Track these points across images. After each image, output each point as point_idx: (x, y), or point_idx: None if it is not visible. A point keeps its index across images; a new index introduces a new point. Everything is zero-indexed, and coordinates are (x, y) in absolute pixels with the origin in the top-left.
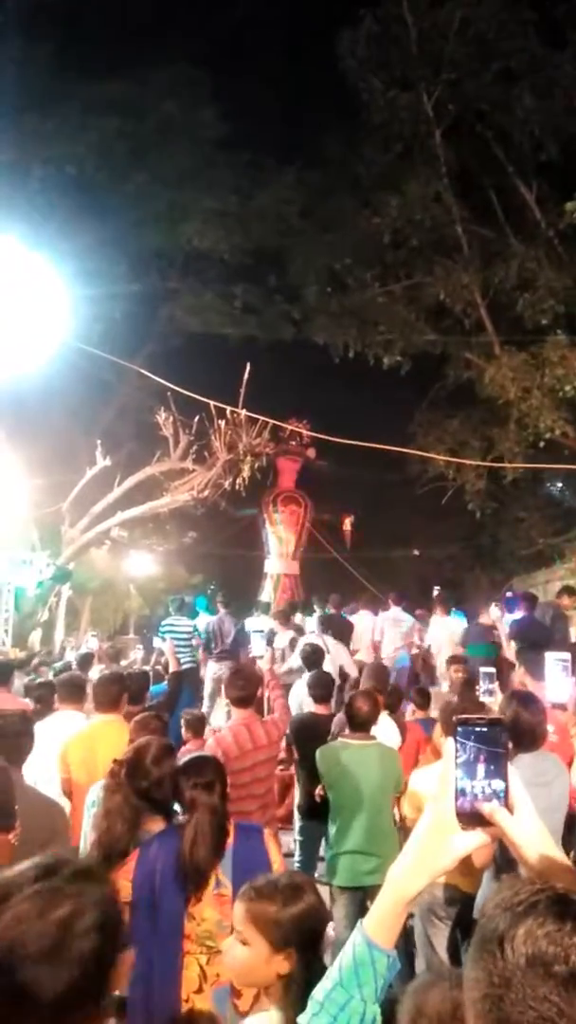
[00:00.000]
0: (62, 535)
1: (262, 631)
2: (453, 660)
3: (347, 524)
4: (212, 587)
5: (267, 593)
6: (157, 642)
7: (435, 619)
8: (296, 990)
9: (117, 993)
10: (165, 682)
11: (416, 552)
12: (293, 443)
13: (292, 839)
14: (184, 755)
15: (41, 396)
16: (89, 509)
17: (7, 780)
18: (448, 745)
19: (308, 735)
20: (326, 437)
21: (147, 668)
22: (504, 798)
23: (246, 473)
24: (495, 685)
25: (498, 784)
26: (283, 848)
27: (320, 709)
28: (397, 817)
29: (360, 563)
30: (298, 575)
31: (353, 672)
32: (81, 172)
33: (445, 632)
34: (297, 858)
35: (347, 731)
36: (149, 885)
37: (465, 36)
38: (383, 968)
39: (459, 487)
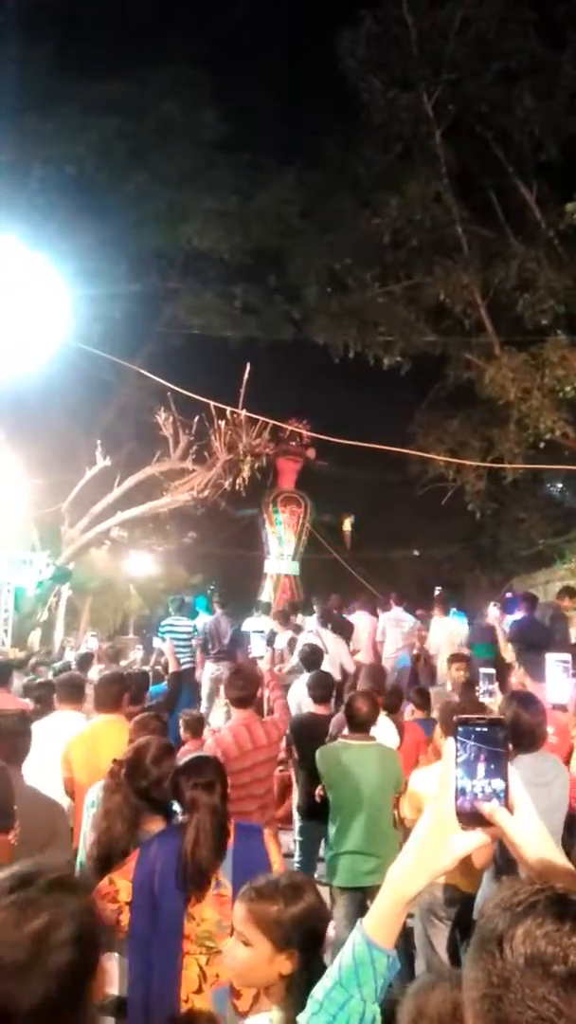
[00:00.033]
0: (62, 535)
1: (262, 631)
2: (455, 659)
3: (347, 524)
4: (212, 587)
5: (267, 593)
6: (157, 642)
7: (435, 619)
8: (297, 990)
9: (116, 993)
10: (165, 682)
11: (416, 553)
12: (293, 443)
13: (292, 839)
14: (183, 755)
15: (41, 396)
16: (89, 509)
17: (6, 780)
18: (448, 745)
19: (308, 735)
20: (326, 437)
21: (147, 668)
22: (504, 798)
23: (246, 473)
24: (495, 686)
25: (498, 784)
26: (283, 848)
27: (320, 709)
28: (397, 817)
29: (360, 564)
30: (298, 575)
31: (351, 669)
32: (81, 172)
33: (444, 632)
34: (297, 858)
35: (346, 731)
36: (149, 885)
37: (465, 36)
38: (383, 968)
39: (459, 488)
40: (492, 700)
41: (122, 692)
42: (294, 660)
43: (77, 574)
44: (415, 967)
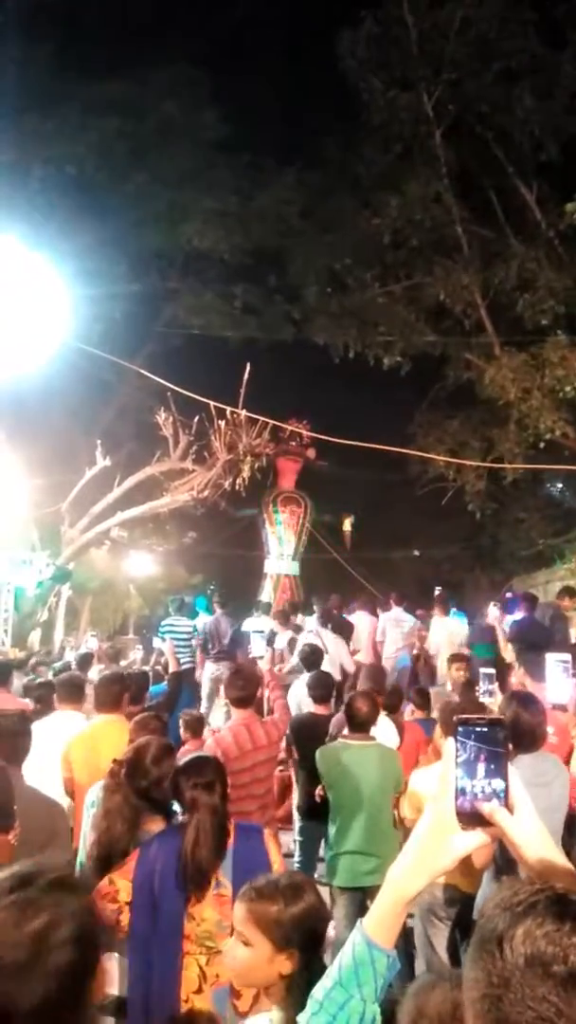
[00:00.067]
0: (62, 535)
1: (262, 632)
2: (455, 659)
3: (347, 524)
4: (212, 587)
5: (267, 593)
6: (157, 642)
7: (435, 620)
8: (297, 990)
9: (116, 993)
10: (165, 682)
11: (416, 553)
12: (293, 443)
13: (292, 839)
14: (183, 756)
15: (41, 396)
16: (89, 509)
17: (6, 780)
18: (448, 745)
19: (308, 735)
20: (326, 437)
21: (147, 668)
22: (504, 798)
23: (246, 473)
24: (495, 686)
25: (498, 783)
26: (283, 848)
27: (320, 709)
28: (397, 818)
29: (360, 564)
30: (298, 576)
31: (351, 668)
32: (81, 172)
33: (444, 632)
34: (297, 858)
35: (346, 731)
36: (149, 885)
37: (465, 36)
38: (383, 967)
39: (459, 488)
40: (492, 700)
41: (122, 692)
42: (294, 660)
43: (77, 574)
44: (415, 967)
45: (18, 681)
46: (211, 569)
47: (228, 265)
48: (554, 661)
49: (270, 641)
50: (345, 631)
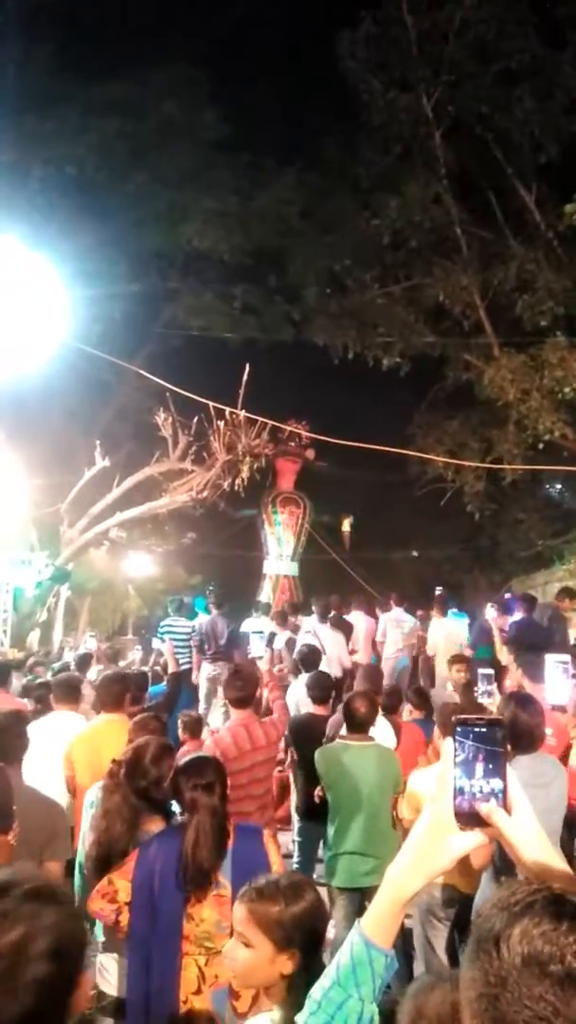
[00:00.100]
0: (61, 535)
1: (261, 632)
2: (455, 660)
3: (346, 525)
4: (211, 588)
5: (266, 594)
6: (156, 643)
7: (434, 620)
8: (298, 990)
9: (116, 994)
10: (164, 683)
11: (415, 553)
12: (292, 444)
13: (291, 840)
14: (182, 756)
15: (41, 396)
16: (88, 509)
17: (5, 781)
18: (447, 745)
19: (306, 736)
20: (325, 438)
21: (146, 669)
22: (502, 798)
23: (245, 474)
24: (493, 686)
25: (496, 783)
26: (282, 849)
27: (318, 710)
28: (395, 818)
29: (359, 564)
30: (297, 576)
31: (349, 664)
32: (81, 172)
33: (443, 633)
34: (296, 859)
35: (344, 731)
36: (148, 885)
37: (465, 37)
38: (381, 967)
39: (458, 488)
40: (490, 701)
41: (124, 692)
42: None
43: (76, 574)
44: (414, 968)
45: (17, 682)
46: (210, 570)
47: (228, 265)
48: (553, 662)
49: (269, 642)
50: (344, 631)
